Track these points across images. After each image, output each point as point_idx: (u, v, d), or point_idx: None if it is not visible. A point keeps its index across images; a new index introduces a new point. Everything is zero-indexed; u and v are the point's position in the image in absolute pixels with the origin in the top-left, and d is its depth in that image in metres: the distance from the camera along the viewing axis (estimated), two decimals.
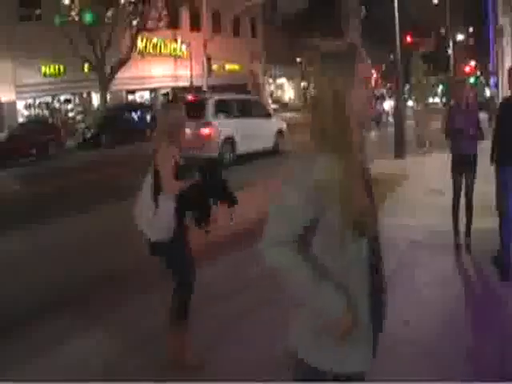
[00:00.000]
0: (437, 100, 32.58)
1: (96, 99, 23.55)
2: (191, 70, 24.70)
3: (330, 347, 1.31)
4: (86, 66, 21.20)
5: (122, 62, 21.19)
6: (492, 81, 29.43)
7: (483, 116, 11.77)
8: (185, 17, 28.56)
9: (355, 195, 1.26)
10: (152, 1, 22.17)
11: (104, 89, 20.88)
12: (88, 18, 18.92)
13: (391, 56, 12.81)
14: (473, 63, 40.95)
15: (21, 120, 20.27)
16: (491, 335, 3.10)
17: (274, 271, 1.31)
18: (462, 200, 4.67)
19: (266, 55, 34.35)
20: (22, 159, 14.73)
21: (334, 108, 1.29)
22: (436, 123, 10.47)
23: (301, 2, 34.33)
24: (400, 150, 10.94)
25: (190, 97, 12.26)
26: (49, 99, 22.69)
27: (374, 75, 1.42)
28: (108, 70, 20.79)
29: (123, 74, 21.72)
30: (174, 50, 27.86)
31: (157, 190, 2.72)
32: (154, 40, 26.18)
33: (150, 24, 22.42)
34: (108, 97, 21.35)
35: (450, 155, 4.74)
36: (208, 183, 2.84)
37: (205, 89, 21.79)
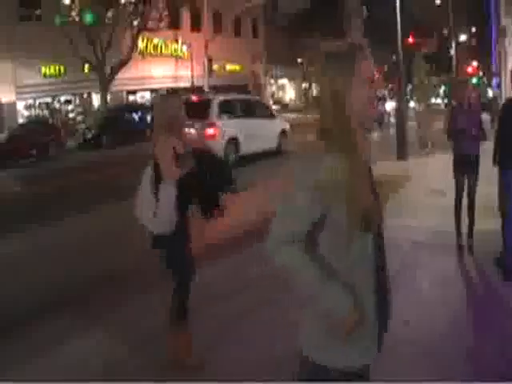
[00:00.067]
0: (439, 101, 32.53)
1: (96, 100, 23.49)
2: (192, 71, 24.74)
3: (335, 345, 1.32)
4: (87, 66, 21.15)
5: (123, 63, 21.14)
6: (494, 81, 29.35)
7: (485, 117, 11.73)
8: (186, 17, 28.53)
9: (361, 194, 1.28)
10: (153, 1, 22.12)
11: (104, 89, 20.81)
12: (88, 18, 18.85)
13: (393, 57, 12.78)
14: (475, 64, 40.89)
15: (21, 121, 20.18)
16: (492, 335, 3.09)
17: (281, 270, 1.33)
18: (465, 201, 4.65)
19: (267, 56, 34.37)
20: (22, 160, 14.70)
21: (334, 108, 1.31)
22: (438, 124, 10.46)
23: (302, 2, 34.33)
24: (402, 152, 10.90)
25: (194, 97, 12.28)
26: (49, 100, 22.63)
27: (377, 75, 1.41)
28: (108, 70, 20.72)
29: (124, 74, 21.68)
30: (175, 50, 27.83)
31: (157, 182, 2.68)
32: (155, 40, 26.15)
33: (150, 24, 22.37)
34: (108, 97, 21.28)
35: (453, 156, 4.72)
36: (210, 172, 2.79)
37: (206, 89, 21.79)
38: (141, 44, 24.64)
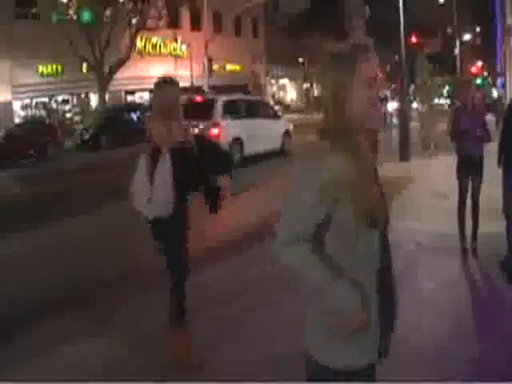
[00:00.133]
0: (443, 101, 32.42)
1: (94, 100, 23.27)
2: (191, 71, 24.63)
3: (336, 345, 1.33)
4: (85, 65, 21.02)
5: (121, 62, 20.90)
6: (499, 81, 29.24)
7: (490, 118, 11.69)
8: (185, 16, 28.47)
9: (366, 193, 1.29)
10: None
11: (102, 89, 20.61)
12: (86, 16, 18.64)
13: (396, 57, 12.74)
14: (480, 63, 40.69)
15: (17, 121, 19.95)
16: (497, 338, 3.07)
17: (288, 270, 1.34)
18: (468, 203, 4.61)
19: (267, 56, 34.35)
20: (21, 160, 14.63)
21: (334, 108, 1.33)
22: (442, 125, 10.41)
23: (302, 2, 34.30)
24: (405, 153, 10.85)
25: (198, 97, 12.29)
26: (46, 99, 22.40)
27: (380, 75, 1.40)
28: (107, 69, 20.51)
29: (122, 74, 21.49)
30: (174, 49, 27.69)
31: (153, 166, 2.65)
32: (154, 40, 26.03)
33: (149, 23, 22.19)
34: (106, 97, 21.09)
35: (456, 157, 4.68)
36: (210, 156, 2.78)
37: (205, 89, 21.75)
38: (139, 43, 24.52)
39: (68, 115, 23.39)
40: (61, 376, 2.75)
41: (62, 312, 3.70)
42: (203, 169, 2.75)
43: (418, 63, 17.64)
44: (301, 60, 36.15)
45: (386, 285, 1.37)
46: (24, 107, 21.67)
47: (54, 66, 21.57)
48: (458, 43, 32.79)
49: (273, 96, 36.11)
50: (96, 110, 22.17)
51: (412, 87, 22.38)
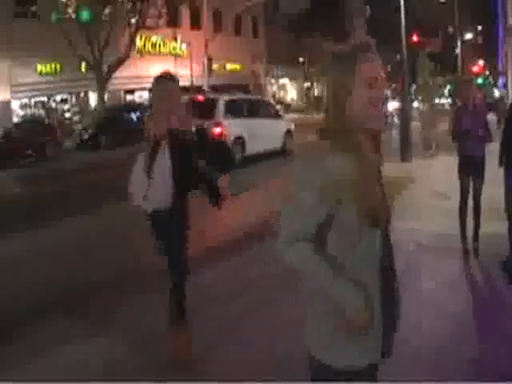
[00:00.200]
0: (444, 101, 32.36)
1: (93, 99, 23.14)
2: (191, 70, 24.57)
3: (337, 344, 1.33)
4: (84, 64, 20.92)
5: (121, 61, 20.81)
6: (501, 81, 29.19)
7: (492, 117, 11.65)
8: (185, 15, 28.39)
9: (368, 193, 1.29)
10: None
11: (102, 88, 20.52)
12: (85, 15, 18.51)
13: (397, 56, 12.72)
14: (481, 63, 40.60)
15: (16, 120, 19.82)
16: (494, 336, 3.07)
17: (293, 268, 1.34)
18: (470, 203, 4.59)
19: (267, 55, 34.30)
20: (20, 160, 14.60)
21: (334, 108, 1.34)
22: (443, 125, 10.39)
23: (303, 2, 34.26)
24: (406, 153, 10.80)
25: (200, 97, 12.29)
26: (45, 99, 22.25)
27: (382, 75, 1.40)
28: (106, 69, 20.41)
29: (121, 73, 21.38)
30: (174, 48, 27.59)
31: (152, 160, 2.65)
32: (153, 38, 25.92)
33: (149, 22, 22.08)
34: (106, 97, 21.01)
35: (457, 158, 4.67)
36: (210, 149, 2.78)
37: (205, 89, 21.71)
38: (139, 42, 24.41)
39: (67, 115, 23.26)
40: (61, 376, 2.75)
41: (62, 312, 3.70)
42: (204, 163, 2.73)
43: (419, 62, 17.64)
44: (301, 60, 36.11)
45: (389, 284, 1.37)
46: (23, 106, 21.55)
47: (53, 65, 21.45)
48: (459, 42, 32.74)
49: (273, 96, 36.06)
50: (95, 109, 22.07)
51: (413, 87, 22.35)
